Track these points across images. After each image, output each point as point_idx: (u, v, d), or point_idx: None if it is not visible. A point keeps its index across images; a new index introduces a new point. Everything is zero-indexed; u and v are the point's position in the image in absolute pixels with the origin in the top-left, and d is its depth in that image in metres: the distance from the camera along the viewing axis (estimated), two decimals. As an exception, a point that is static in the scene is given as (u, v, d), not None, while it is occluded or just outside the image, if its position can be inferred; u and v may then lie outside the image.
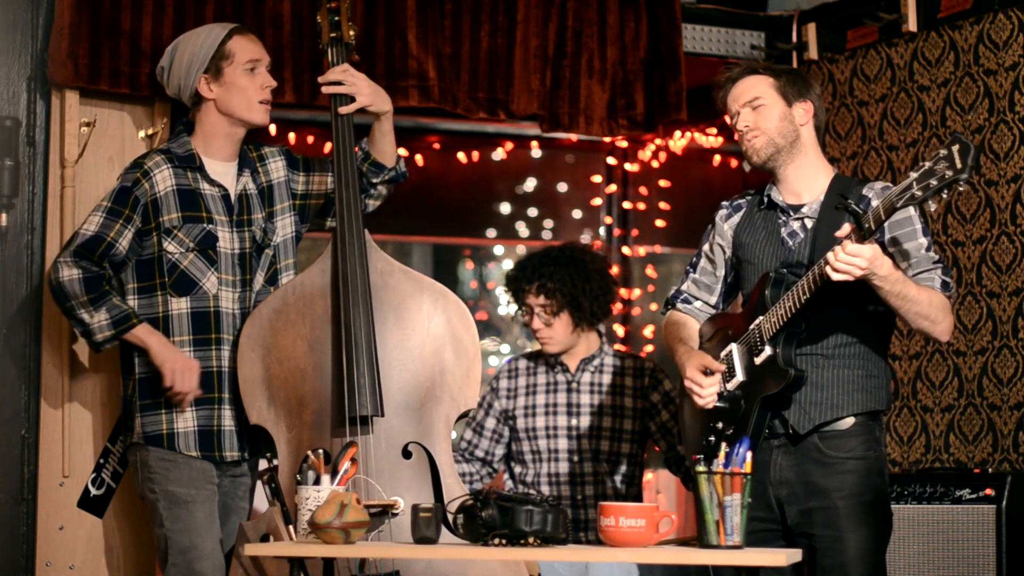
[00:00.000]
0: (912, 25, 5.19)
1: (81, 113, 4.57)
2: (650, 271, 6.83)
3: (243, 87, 4.26)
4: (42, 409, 4.49)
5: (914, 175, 3.53)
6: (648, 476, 5.07)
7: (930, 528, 4.61)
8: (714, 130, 6.53)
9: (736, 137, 4.05)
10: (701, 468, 3.40)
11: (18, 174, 4.51)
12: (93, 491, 4.52)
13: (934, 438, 5.07)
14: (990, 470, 4.70)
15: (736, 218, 4.11)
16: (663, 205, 6.79)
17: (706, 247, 4.18)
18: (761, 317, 3.89)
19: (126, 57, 4.60)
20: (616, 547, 3.41)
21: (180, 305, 4.20)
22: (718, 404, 3.97)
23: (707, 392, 3.95)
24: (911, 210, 3.86)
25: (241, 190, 4.31)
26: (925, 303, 3.77)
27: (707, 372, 3.98)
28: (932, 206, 3.55)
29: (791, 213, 3.99)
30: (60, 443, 4.49)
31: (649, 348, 6.72)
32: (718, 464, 3.40)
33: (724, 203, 4.18)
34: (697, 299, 4.18)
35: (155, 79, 4.62)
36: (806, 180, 4.00)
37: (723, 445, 3.47)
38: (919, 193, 3.52)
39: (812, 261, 3.86)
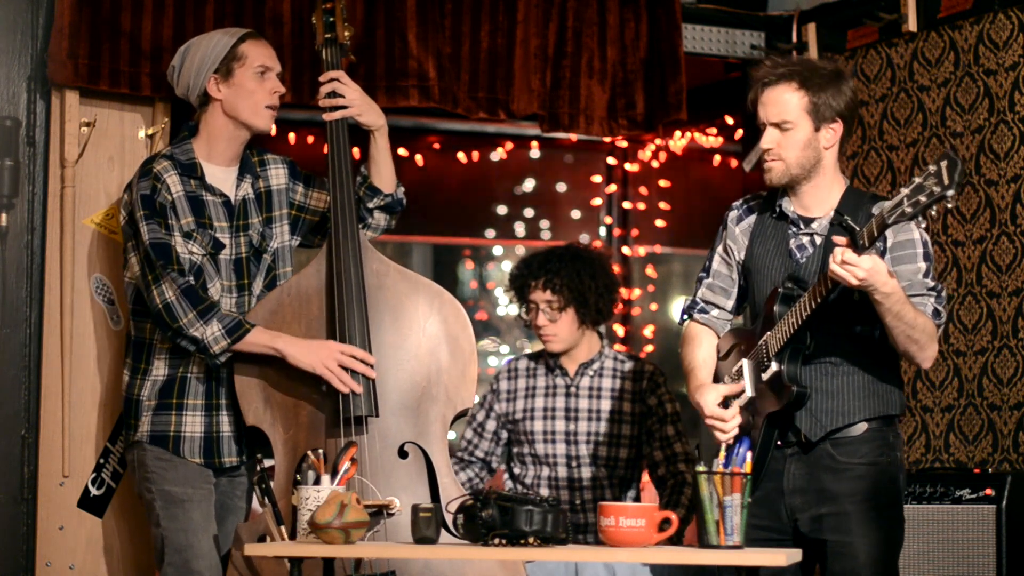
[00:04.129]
0: (912, 25, 5.19)
1: (81, 113, 4.57)
2: (650, 271, 6.83)
3: (252, 90, 4.25)
4: (42, 409, 4.49)
5: (905, 191, 3.54)
6: (646, 478, 5.05)
7: (930, 528, 4.61)
8: (714, 130, 6.53)
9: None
10: (701, 468, 3.40)
11: (18, 174, 4.51)
12: (93, 491, 4.52)
13: (934, 438, 5.07)
14: (990, 470, 4.69)
15: (748, 221, 4.07)
16: (663, 205, 6.79)
17: (719, 249, 4.11)
18: (768, 332, 3.87)
19: (126, 57, 4.60)
20: (616, 547, 3.41)
21: None
22: None
23: (730, 427, 3.88)
24: (915, 232, 3.85)
25: (241, 196, 4.31)
26: (919, 328, 3.76)
27: (725, 404, 3.91)
28: (923, 224, 3.58)
29: (801, 226, 3.96)
30: (60, 443, 4.49)
31: (649, 348, 6.72)
32: (718, 464, 3.40)
33: (735, 204, 4.13)
34: (714, 306, 4.09)
35: (155, 79, 4.62)
36: (819, 196, 3.95)
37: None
38: (909, 210, 3.53)
39: (820, 275, 3.84)
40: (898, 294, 3.69)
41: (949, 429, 5.04)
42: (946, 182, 3.47)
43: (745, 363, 3.92)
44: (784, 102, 3.88)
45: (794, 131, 3.88)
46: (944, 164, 3.47)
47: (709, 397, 3.90)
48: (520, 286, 4.97)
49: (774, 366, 3.84)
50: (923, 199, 3.50)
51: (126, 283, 4.27)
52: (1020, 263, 4.86)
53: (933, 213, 3.53)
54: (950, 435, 5.03)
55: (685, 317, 4.16)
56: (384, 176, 4.38)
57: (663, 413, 4.91)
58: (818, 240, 3.93)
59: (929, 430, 5.09)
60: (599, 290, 4.92)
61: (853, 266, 3.61)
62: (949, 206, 3.50)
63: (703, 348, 4.07)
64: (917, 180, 3.52)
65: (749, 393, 3.89)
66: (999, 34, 4.94)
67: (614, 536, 3.40)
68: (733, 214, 4.11)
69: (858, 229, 3.62)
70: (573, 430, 4.91)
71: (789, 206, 3.98)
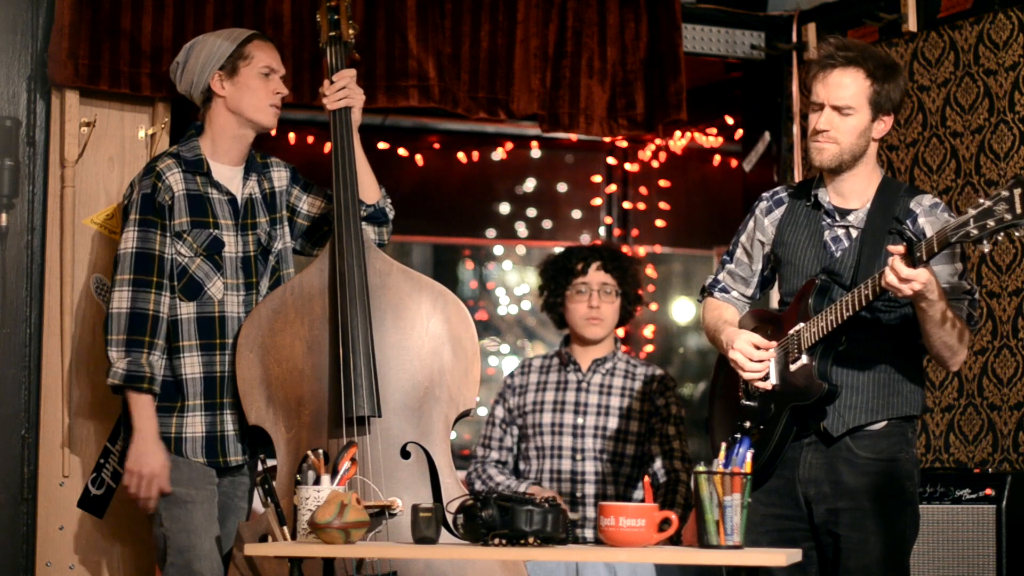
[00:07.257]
0: (912, 25, 5.19)
1: (81, 113, 4.57)
2: (650, 271, 6.83)
3: (255, 89, 4.26)
4: (42, 409, 4.49)
5: (972, 212, 3.47)
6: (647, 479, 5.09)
7: (930, 528, 4.61)
8: (714, 130, 6.53)
9: (810, 126, 3.91)
10: (701, 468, 3.40)
11: (18, 174, 4.51)
12: (93, 491, 4.52)
13: (934, 438, 5.07)
14: (990, 470, 4.70)
15: (778, 213, 4.04)
16: (663, 205, 6.79)
17: (744, 239, 4.11)
18: (802, 324, 3.85)
19: (126, 57, 4.60)
20: (616, 547, 3.41)
21: (188, 309, 4.19)
22: (747, 402, 3.95)
23: (751, 367, 3.87)
24: None
25: (248, 194, 4.32)
26: (956, 334, 3.75)
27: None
28: (986, 248, 3.47)
29: (836, 217, 3.94)
30: (60, 443, 4.49)
31: (649, 348, 6.72)
32: (718, 464, 3.40)
33: (764, 195, 4.11)
34: (733, 289, 4.12)
35: (155, 79, 4.63)
36: (858, 185, 3.93)
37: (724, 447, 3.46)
38: (975, 232, 3.47)
39: (857, 271, 3.82)
40: (943, 304, 3.67)
41: (949, 429, 5.04)
42: (1019, 211, 3.39)
43: (772, 348, 3.91)
44: (851, 86, 3.88)
45: (854, 117, 3.88)
46: (1018, 192, 3.40)
47: (743, 336, 3.91)
48: (573, 265, 5.02)
49: (804, 359, 3.83)
50: (991, 223, 3.43)
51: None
52: (1020, 263, 4.86)
53: (1000, 238, 3.45)
54: (950, 435, 5.03)
55: (704, 294, 4.18)
56: (364, 184, 4.34)
57: (667, 414, 4.98)
58: (854, 233, 3.91)
59: (929, 430, 5.09)
60: (636, 295, 5.12)
61: (913, 281, 3.58)
62: (1017, 234, 3.42)
63: (728, 311, 4.09)
64: (986, 203, 3.45)
65: (774, 380, 3.89)
66: (999, 34, 4.94)
67: (614, 536, 3.40)
68: (763, 205, 4.10)
69: (916, 240, 3.58)
70: (581, 424, 4.97)
71: (825, 196, 3.96)
